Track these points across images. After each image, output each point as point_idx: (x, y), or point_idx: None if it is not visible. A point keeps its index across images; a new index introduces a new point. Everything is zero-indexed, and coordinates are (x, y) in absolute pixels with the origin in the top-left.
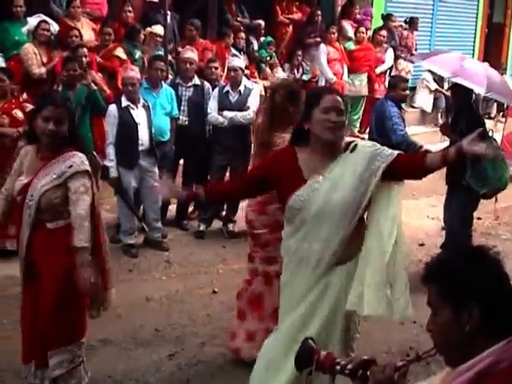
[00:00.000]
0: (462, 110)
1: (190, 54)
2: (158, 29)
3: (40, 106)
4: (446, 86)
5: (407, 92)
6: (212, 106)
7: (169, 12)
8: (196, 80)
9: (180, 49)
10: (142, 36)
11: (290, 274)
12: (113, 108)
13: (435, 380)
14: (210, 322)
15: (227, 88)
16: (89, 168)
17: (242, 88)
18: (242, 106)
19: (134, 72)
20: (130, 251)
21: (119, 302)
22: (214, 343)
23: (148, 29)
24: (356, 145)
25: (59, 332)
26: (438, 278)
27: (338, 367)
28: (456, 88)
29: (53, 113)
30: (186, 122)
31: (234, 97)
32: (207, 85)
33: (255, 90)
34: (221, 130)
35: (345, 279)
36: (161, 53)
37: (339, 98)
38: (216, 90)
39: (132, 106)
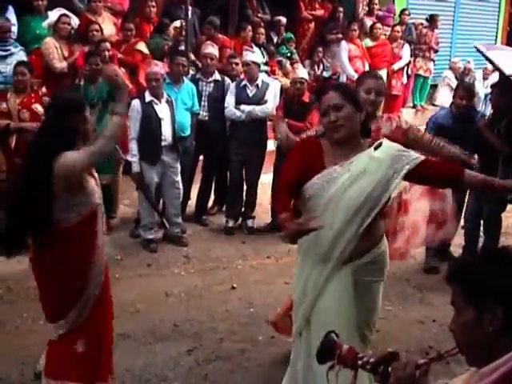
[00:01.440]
0: (503, 110)
1: (211, 49)
2: (179, 23)
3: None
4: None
5: (459, 101)
6: (229, 100)
7: (190, 7)
8: (217, 75)
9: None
10: (172, 30)
11: (300, 265)
12: (136, 103)
13: (458, 382)
14: (228, 317)
15: (244, 82)
16: None
17: (259, 82)
18: (259, 99)
19: (158, 67)
20: (150, 246)
21: (138, 297)
22: (232, 339)
23: (173, 24)
24: (381, 143)
25: None
26: (462, 279)
27: (360, 362)
28: (502, 88)
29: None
30: (206, 118)
31: (251, 91)
32: (228, 80)
33: (273, 85)
34: (238, 125)
35: (351, 277)
36: (182, 48)
37: (334, 93)
38: (233, 84)
39: (156, 101)
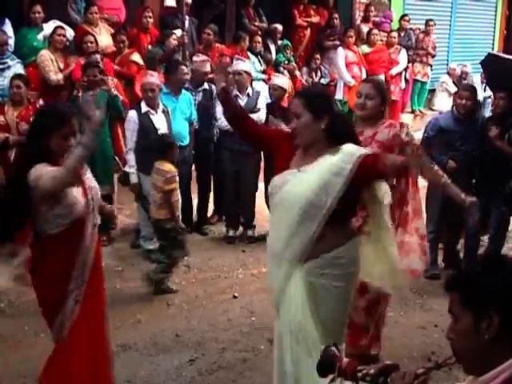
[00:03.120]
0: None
1: (208, 67)
2: (180, 33)
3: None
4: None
5: (464, 101)
6: (221, 111)
7: (187, 17)
8: (205, 84)
9: (196, 57)
10: (171, 40)
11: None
12: (133, 114)
13: None
14: (230, 327)
15: (235, 92)
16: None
17: (249, 91)
18: (251, 108)
19: (154, 78)
20: (150, 257)
21: (139, 308)
22: (234, 348)
23: (173, 34)
24: (340, 148)
25: None
26: (459, 286)
27: (360, 374)
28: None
29: (71, 129)
30: (197, 126)
31: (243, 100)
32: (215, 89)
33: (264, 92)
34: (230, 135)
35: (305, 278)
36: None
37: (297, 101)
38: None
39: (152, 111)
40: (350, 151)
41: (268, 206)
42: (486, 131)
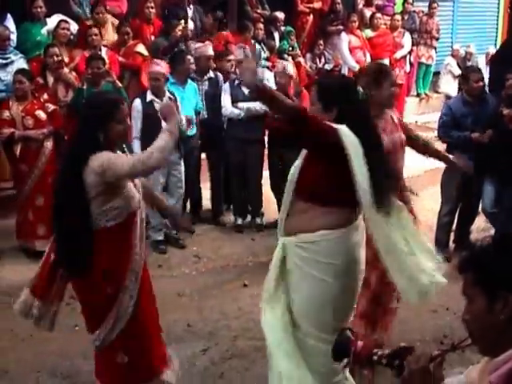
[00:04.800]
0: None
1: (210, 50)
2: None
3: (110, 110)
4: None
5: (480, 83)
6: (225, 99)
7: (191, 6)
8: (210, 73)
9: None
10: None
11: None
12: (137, 102)
13: (473, 371)
14: (241, 315)
15: (238, 81)
16: None
17: None
18: None
19: (160, 67)
20: (159, 247)
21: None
22: (246, 336)
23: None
24: None
25: None
26: (473, 267)
27: (376, 357)
28: None
29: (124, 111)
30: (206, 116)
31: (246, 88)
32: (220, 76)
33: (269, 80)
34: (235, 123)
35: (281, 250)
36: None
37: (313, 88)
38: (227, 84)
39: (157, 100)
40: None
41: (274, 193)
42: (498, 112)
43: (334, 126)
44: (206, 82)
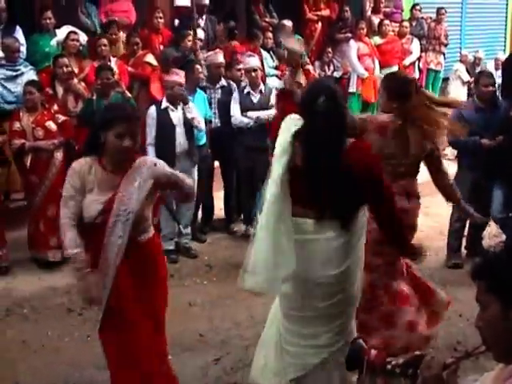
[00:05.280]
0: None
1: (221, 58)
2: (199, 32)
3: (111, 120)
4: None
5: (490, 88)
6: (234, 108)
7: (204, 16)
8: (223, 81)
9: (207, 52)
10: (188, 42)
11: None
12: (152, 110)
13: (488, 378)
14: (253, 324)
15: (248, 89)
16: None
17: (262, 87)
18: (265, 105)
19: (178, 76)
20: (170, 257)
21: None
22: None
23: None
24: None
25: None
26: (486, 274)
27: (389, 366)
28: None
29: (127, 129)
30: (219, 124)
31: (255, 97)
32: (233, 85)
33: (278, 88)
34: (244, 132)
35: None
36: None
37: None
38: (236, 92)
39: (171, 107)
40: None
41: None
42: (509, 117)
43: None
44: (219, 90)
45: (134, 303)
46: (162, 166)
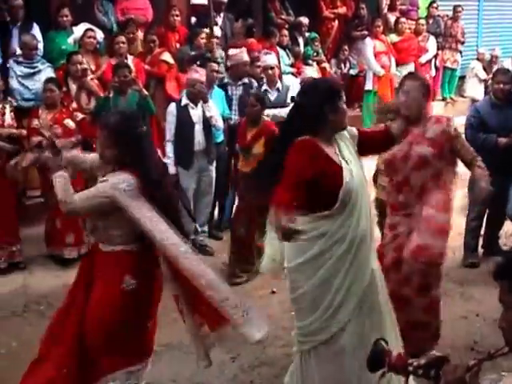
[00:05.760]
0: None
1: (246, 56)
2: (216, 30)
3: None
4: None
5: (501, 86)
6: None
7: (222, 14)
8: (244, 78)
9: (228, 50)
10: (201, 40)
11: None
12: (173, 106)
13: (510, 378)
14: (270, 322)
15: (265, 87)
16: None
17: (279, 85)
18: (282, 103)
19: (198, 74)
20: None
21: (176, 306)
22: (276, 344)
23: (205, 30)
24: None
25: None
26: (509, 274)
27: (411, 368)
28: None
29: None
30: (238, 121)
31: (273, 95)
32: (254, 82)
33: (294, 86)
34: None
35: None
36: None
37: None
38: (253, 90)
39: (191, 105)
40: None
41: None
42: None
43: None
44: (240, 87)
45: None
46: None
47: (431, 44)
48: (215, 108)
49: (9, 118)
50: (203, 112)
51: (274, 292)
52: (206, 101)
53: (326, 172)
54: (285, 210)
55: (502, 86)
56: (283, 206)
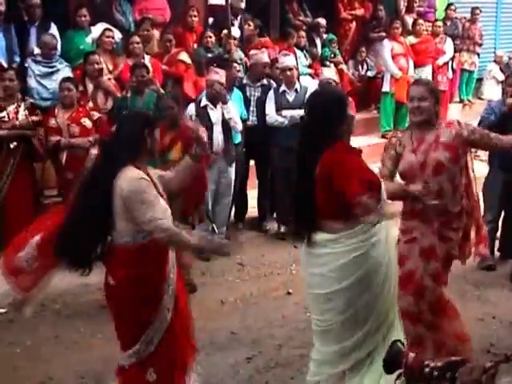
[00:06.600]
0: None
1: (266, 57)
2: (234, 31)
3: (152, 124)
4: None
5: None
6: (269, 107)
7: (240, 15)
8: (263, 80)
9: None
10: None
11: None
12: (191, 107)
13: None
14: (286, 323)
15: (283, 88)
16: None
17: (297, 87)
18: (300, 104)
19: (218, 76)
20: (203, 255)
21: (193, 306)
22: (291, 345)
23: (224, 31)
24: None
25: None
26: None
27: (427, 370)
28: None
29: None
30: (256, 122)
31: (291, 96)
32: (273, 84)
33: (312, 87)
34: (279, 131)
35: None
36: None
37: None
38: (271, 91)
39: (211, 106)
40: None
41: None
42: None
43: None
44: (259, 89)
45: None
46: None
47: (448, 46)
48: (234, 110)
49: (22, 116)
50: (222, 113)
51: (289, 293)
52: (225, 102)
53: (372, 178)
54: (367, 197)
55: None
56: (364, 194)
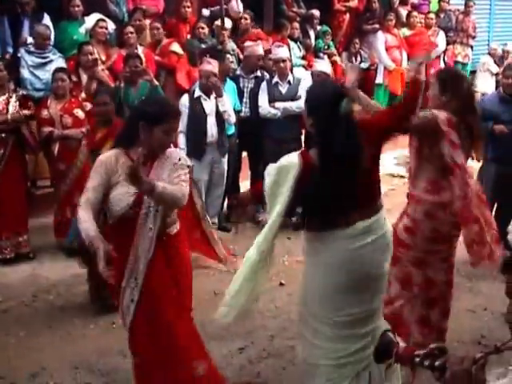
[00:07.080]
0: None
1: (261, 49)
2: (226, 22)
3: (163, 116)
4: None
5: (510, 81)
6: (262, 99)
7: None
8: (257, 71)
9: (248, 42)
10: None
11: None
12: (185, 98)
13: None
14: (278, 314)
15: (276, 79)
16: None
17: (290, 78)
18: (293, 96)
19: (211, 66)
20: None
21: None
22: (283, 336)
23: (216, 22)
24: None
25: None
26: None
27: (417, 359)
28: None
29: (174, 126)
30: (249, 114)
31: (284, 87)
32: (266, 75)
33: (305, 79)
34: (272, 123)
35: None
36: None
37: None
38: (264, 83)
39: (204, 97)
40: None
41: None
42: None
43: None
44: (252, 80)
45: (167, 297)
46: (179, 166)
47: (441, 39)
48: (229, 102)
49: (12, 108)
50: (216, 104)
51: (282, 284)
52: (220, 95)
53: None
54: None
55: (510, 80)
56: None
